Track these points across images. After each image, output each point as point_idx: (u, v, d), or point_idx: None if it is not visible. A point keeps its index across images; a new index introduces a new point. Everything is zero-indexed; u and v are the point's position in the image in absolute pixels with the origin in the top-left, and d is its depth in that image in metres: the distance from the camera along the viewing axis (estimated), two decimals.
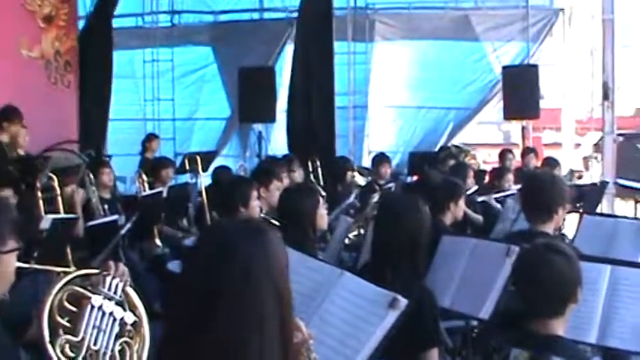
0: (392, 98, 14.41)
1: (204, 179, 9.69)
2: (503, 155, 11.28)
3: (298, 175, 8.37)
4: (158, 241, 7.82)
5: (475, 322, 4.67)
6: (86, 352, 2.72)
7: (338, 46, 13.10)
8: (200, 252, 1.93)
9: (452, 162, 9.98)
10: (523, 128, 13.68)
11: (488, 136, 18.91)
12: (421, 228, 3.63)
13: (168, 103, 14.38)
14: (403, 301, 2.92)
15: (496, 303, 4.05)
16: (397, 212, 3.67)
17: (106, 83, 12.94)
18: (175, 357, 1.87)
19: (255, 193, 5.18)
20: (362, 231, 6.89)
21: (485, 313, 4.05)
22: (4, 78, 10.64)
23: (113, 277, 2.82)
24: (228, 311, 1.81)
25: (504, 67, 13.03)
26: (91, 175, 8.07)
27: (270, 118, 12.85)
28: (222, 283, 1.83)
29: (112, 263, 2.86)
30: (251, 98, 12.47)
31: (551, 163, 10.18)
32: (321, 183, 10.35)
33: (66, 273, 2.80)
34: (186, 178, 10.55)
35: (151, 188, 8.75)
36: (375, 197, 7.68)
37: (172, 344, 1.89)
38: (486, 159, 15.36)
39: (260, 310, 1.83)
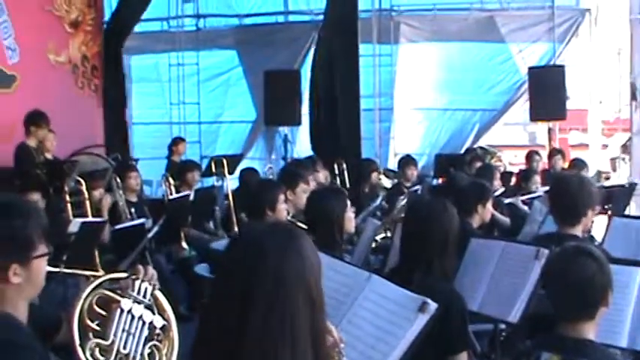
0: (417, 100, 14.36)
1: (231, 182, 9.71)
2: (529, 157, 11.20)
3: (322, 176, 8.35)
4: (185, 245, 7.84)
5: (503, 326, 4.65)
6: (116, 355, 2.73)
7: (363, 48, 13.04)
8: (233, 257, 1.94)
9: (478, 164, 9.91)
10: (549, 129, 13.58)
11: (514, 137, 18.81)
12: (450, 231, 3.61)
13: (194, 106, 14.43)
14: (433, 305, 2.91)
15: (525, 306, 4.02)
16: (426, 215, 3.65)
17: (120, 87, 12.97)
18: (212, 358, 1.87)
19: (282, 197, 5.18)
20: (389, 233, 6.89)
21: (515, 316, 4.02)
22: (31, 83, 10.76)
23: (142, 281, 2.82)
24: (261, 316, 1.82)
25: (530, 68, 12.94)
26: (118, 179, 8.11)
27: (296, 121, 12.86)
28: (256, 288, 1.84)
29: (141, 267, 2.87)
30: (277, 101, 12.48)
31: (578, 164, 10.10)
32: (347, 185, 10.34)
33: (95, 277, 2.81)
34: (212, 181, 10.59)
35: (177, 191, 8.79)
36: (402, 200, 7.67)
37: (206, 348, 1.89)
38: (512, 160, 15.27)
39: (293, 315, 1.84)
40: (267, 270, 1.85)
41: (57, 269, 3.07)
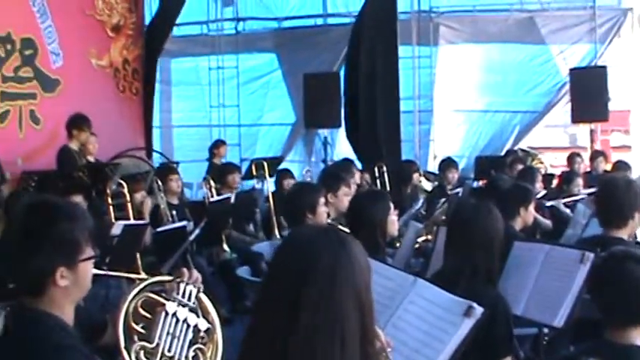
0: (457, 102, 14.29)
1: (271, 185, 9.73)
2: (571, 159, 11.09)
3: (357, 178, 8.34)
4: (226, 247, 7.87)
5: (547, 330, 4.60)
6: (160, 358, 2.74)
7: (402, 50, 13.02)
8: (284, 259, 1.94)
9: (519, 166, 9.83)
10: (591, 131, 13.43)
11: (554, 139, 18.61)
12: (495, 234, 3.58)
13: (234, 109, 14.50)
14: (479, 309, 2.89)
15: (570, 311, 3.97)
16: (471, 219, 3.61)
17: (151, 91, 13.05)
18: None
19: (322, 200, 5.16)
20: (430, 236, 6.85)
21: (559, 321, 3.97)
22: (74, 87, 10.88)
23: (187, 284, 2.84)
24: (311, 318, 1.82)
25: (572, 70, 12.82)
26: (159, 182, 8.16)
27: (336, 124, 12.86)
28: (306, 291, 1.84)
29: (185, 270, 2.88)
30: (316, 104, 12.50)
31: (621, 166, 9.98)
32: (388, 188, 10.32)
33: (141, 280, 2.82)
34: (252, 183, 10.63)
35: (218, 194, 8.82)
36: (443, 202, 7.63)
37: (254, 350, 1.89)
38: (553, 163, 15.12)
39: (343, 318, 1.84)
40: (318, 273, 1.85)
41: (103, 272, 3.09)
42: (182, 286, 2.84)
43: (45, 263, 2.48)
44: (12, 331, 2.63)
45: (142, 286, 2.80)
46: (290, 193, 5.88)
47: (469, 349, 3.26)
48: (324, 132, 13.33)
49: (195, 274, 2.88)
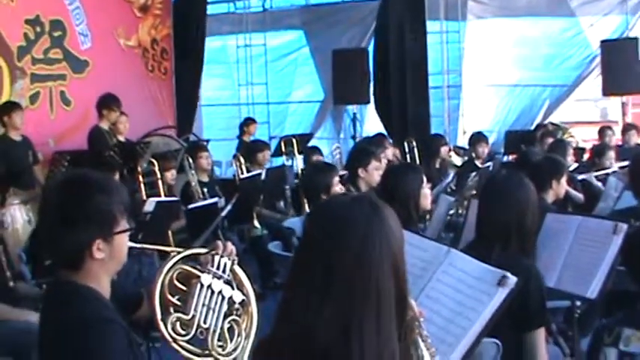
0: (486, 77, 14.18)
1: (301, 161, 9.74)
2: (602, 132, 10.97)
3: (390, 153, 8.32)
4: (257, 223, 7.90)
5: (579, 303, 4.58)
6: (196, 329, 2.76)
7: (430, 25, 12.94)
8: (318, 225, 1.93)
9: (549, 140, 9.74)
10: (623, 104, 13.28)
11: (585, 113, 18.44)
12: (528, 205, 3.54)
13: (262, 87, 14.51)
14: (512, 279, 2.88)
15: (603, 282, 3.96)
16: (503, 189, 3.58)
17: (197, 70, 13.08)
18: (293, 331, 1.87)
19: (336, 179, 5.18)
20: (460, 210, 6.84)
21: (593, 292, 3.96)
22: (103, 68, 10.95)
23: (221, 257, 2.86)
24: (346, 286, 1.82)
25: (602, 42, 12.64)
26: (190, 160, 8.20)
27: (365, 100, 12.85)
28: (341, 258, 1.83)
29: (220, 242, 2.90)
30: (345, 80, 12.49)
31: None
32: (417, 163, 10.29)
33: (176, 252, 2.84)
34: (282, 160, 10.65)
35: (247, 171, 8.85)
36: (474, 176, 7.60)
37: (290, 317, 1.90)
38: (584, 137, 14.99)
39: (377, 285, 1.83)
40: (352, 238, 1.84)
41: (140, 245, 3.11)
42: (217, 258, 2.85)
43: (81, 236, 2.52)
44: (50, 305, 2.68)
45: (177, 258, 2.82)
46: (305, 175, 5.91)
47: (502, 319, 3.26)
48: (352, 108, 13.32)
49: (230, 246, 2.89)
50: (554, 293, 4.39)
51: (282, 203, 8.90)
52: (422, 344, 2.28)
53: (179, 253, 2.85)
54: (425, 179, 4.62)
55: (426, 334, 2.31)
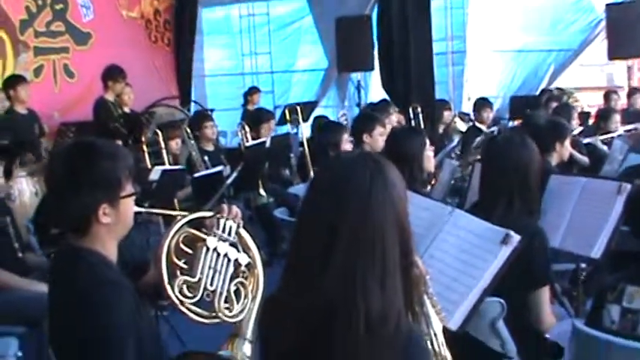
0: (490, 42, 14.14)
1: (306, 130, 9.73)
2: (608, 96, 10.96)
3: (395, 119, 8.31)
4: (262, 192, 7.92)
5: (584, 265, 4.60)
6: (203, 292, 2.79)
7: None
8: (323, 182, 1.95)
9: (554, 104, 9.73)
10: (628, 68, 13.25)
11: (590, 79, 18.38)
12: (531, 164, 3.52)
13: (266, 56, 14.46)
14: (516, 237, 2.90)
15: (607, 242, 3.97)
16: (506, 149, 3.56)
17: (191, 41, 13.06)
18: (299, 289, 1.89)
19: (346, 136, 5.19)
20: (465, 176, 6.84)
21: (597, 252, 3.98)
22: (105, 39, 10.94)
23: (227, 219, 2.88)
24: (350, 243, 1.83)
25: (607, 5, 12.57)
26: (189, 130, 8.21)
27: (369, 67, 12.83)
28: (345, 213, 1.84)
29: (225, 206, 2.92)
30: (349, 48, 12.48)
31: None
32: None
33: (182, 216, 2.87)
34: (286, 129, 10.65)
35: (253, 140, 8.85)
36: (478, 141, 7.61)
37: (295, 275, 1.92)
38: (589, 103, 14.95)
39: (382, 242, 1.84)
40: (356, 194, 1.85)
41: (145, 209, 3.13)
42: (222, 221, 2.88)
43: (88, 201, 2.54)
44: (58, 269, 2.71)
45: (183, 221, 2.84)
46: (317, 132, 5.92)
47: (507, 279, 3.29)
48: (357, 76, 13.29)
49: (235, 209, 2.91)
50: (558, 255, 4.43)
51: (287, 172, 8.93)
52: (428, 302, 2.31)
53: (184, 216, 2.87)
54: (428, 142, 4.63)
55: (431, 292, 2.34)
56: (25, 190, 7.07)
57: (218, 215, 2.87)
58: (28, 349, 4.30)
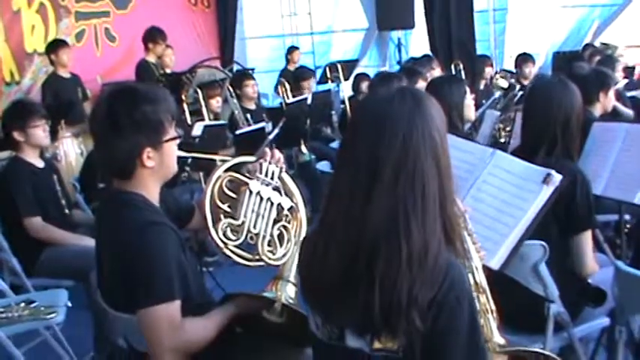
0: None
1: (347, 87, 9.69)
2: None
3: (437, 74, 8.25)
4: (304, 149, 7.94)
5: (628, 217, 4.56)
6: (246, 235, 2.84)
7: None
8: (362, 121, 1.94)
9: (598, 58, 9.57)
10: None
11: (636, 35, 18.02)
12: (572, 109, 3.47)
13: (306, 17, 14.37)
14: (557, 177, 2.89)
15: None
16: (548, 92, 3.50)
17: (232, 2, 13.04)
18: (340, 223, 1.90)
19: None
20: (507, 128, 6.80)
21: None
22: (145, 2, 10.98)
23: (269, 164, 2.92)
24: (391, 178, 1.83)
25: None
26: (231, 89, 8.24)
27: (410, 25, 12.73)
28: (385, 148, 1.84)
29: (267, 150, 2.95)
30: (389, 6, 12.38)
31: None
32: None
33: (225, 161, 2.91)
34: (328, 87, 10.62)
35: (294, 97, 8.85)
36: (520, 94, 7.53)
37: (336, 210, 1.92)
38: (635, 61, 14.69)
39: (422, 176, 1.84)
40: (396, 129, 1.85)
41: (189, 155, 3.19)
42: (265, 165, 2.92)
43: (131, 144, 2.58)
44: (104, 214, 2.77)
45: (226, 166, 2.89)
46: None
47: (550, 222, 3.28)
48: (397, 34, 13.19)
49: (278, 154, 2.95)
50: (602, 204, 4.40)
51: (328, 129, 8.92)
52: (468, 238, 2.33)
53: (229, 161, 2.92)
54: (468, 90, 4.60)
55: (471, 229, 2.35)
56: (71, 150, 7.17)
57: (261, 160, 2.91)
58: (76, 301, 4.40)
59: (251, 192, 2.86)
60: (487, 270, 2.41)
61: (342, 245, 1.89)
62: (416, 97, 1.92)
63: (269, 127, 7.10)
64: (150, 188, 2.68)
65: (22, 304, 4.11)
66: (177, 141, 2.72)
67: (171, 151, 2.69)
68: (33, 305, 4.10)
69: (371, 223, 1.84)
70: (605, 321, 3.56)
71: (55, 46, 8.46)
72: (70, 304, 4.17)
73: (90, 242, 4.80)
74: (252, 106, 8.32)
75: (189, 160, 5.78)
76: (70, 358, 4.66)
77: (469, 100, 4.56)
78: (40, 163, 5.12)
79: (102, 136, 2.63)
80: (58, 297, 4.28)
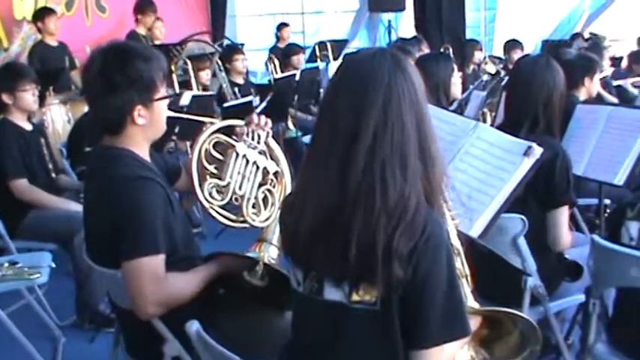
0: None
1: (335, 67, 9.69)
2: None
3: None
4: (291, 125, 7.97)
5: (608, 201, 4.62)
6: (231, 196, 2.88)
7: None
8: (341, 78, 1.96)
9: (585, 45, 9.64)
10: None
11: (625, 29, 18.10)
12: (554, 86, 3.51)
13: None
14: (538, 149, 2.94)
15: (631, 169, 3.99)
16: (531, 70, 3.54)
17: None
18: (319, 181, 1.92)
19: None
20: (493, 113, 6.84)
21: (620, 179, 4.00)
22: None
23: (256, 128, 2.96)
24: (372, 134, 1.85)
25: None
26: (220, 63, 8.26)
27: (400, 7, 12.74)
28: (366, 106, 1.86)
29: (255, 115, 2.99)
30: None
31: None
32: None
33: (213, 123, 2.95)
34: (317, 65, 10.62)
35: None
36: (506, 80, 7.57)
37: (315, 168, 1.94)
38: (623, 53, 14.75)
39: (402, 131, 1.87)
40: (377, 88, 1.87)
41: (178, 115, 3.22)
42: (252, 129, 2.96)
43: (123, 101, 2.62)
44: (93, 168, 2.80)
45: (213, 128, 2.93)
46: None
47: (529, 196, 3.34)
48: (387, 17, 13.20)
49: (264, 118, 2.99)
50: (583, 187, 4.47)
51: (316, 107, 8.94)
52: (443, 205, 2.36)
53: (216, 124, 2.96)
54: (456, 68, 4.63)
55: (447, 197, 2.38)
56: (58, 117, 7.17)
57: (248, 124, 2.96)
58: (58, 269, 4.43)
59: (237, 154, 2.90)
60: (465, 240, 2.45)
61: (320, 200, 1.91)
62: (395, 57, 1.94)
63: (256, 101, 7.12)
64: (139, 145, 2.72)
65: (6, 264, 4.13)
66: (168, 101, 2.76)
67: (162, 110, 2.73)
68: (17, 266, 4.13)
69: (350, 179, 1.85)
70: (581, 298, 3.61)
71: (42, 14, 8.45)
72: (54, 265, 4.20)
73: (75, 207, 4.85)
74: (240, 80, 8.35)
75: (177, 129, 5.83)
76: (53, 322, 4.71)
77: (456, 78, 4.60)
78: (28, 126, 5.14)
79: (95, 91, 2.66)
80: (41, 259, 4.30)
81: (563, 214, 3.44)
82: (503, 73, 8.70)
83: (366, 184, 1.85)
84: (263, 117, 2.99)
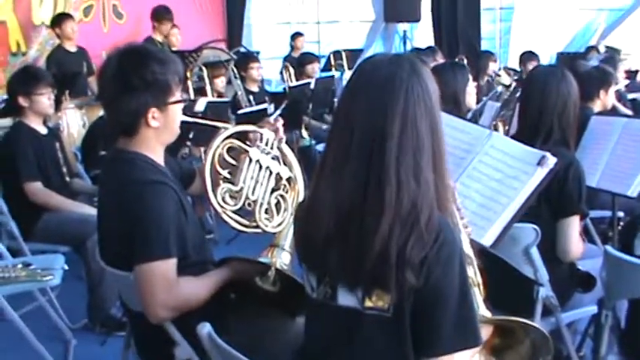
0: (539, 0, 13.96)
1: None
2: None
3: None
4: (305, 133, 7.98)
5: (621, 214, 4.60)
6: (244, 201, 2.89)
7: None
8: (357, 82, 1.96)
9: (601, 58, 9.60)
10: None
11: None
12: (568, 97, 3.51)
13: (313, 5, 14.39)
14: (552, 159, 2.94)
15: None
16: (545, 81, 3.54)
17: None
18: (332, 191, 1.92)
19: None
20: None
21: (634, 191, 4.01)
22: None
23: (270, 134, 2.97)
24: (387, 139, 1.85)
25: None
26: (235, 70, 8.28)
27: (416, 17, 12.74)
28: (381, 111, 1.86)
29: (268, 120, 3.00)
30: None
31: None
32: None
33: (226, 128, 2.96)
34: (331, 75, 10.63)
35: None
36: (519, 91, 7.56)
37: (330, 173, 1.94)
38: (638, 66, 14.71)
39: (417, 137, 1.87)
40: (393, 92, 1.87)
41: (193, 119, 3.23)
42: (265, 135, 2.97)
43: (138, 103, 2.62)
44: (107, 171, 2.81)
45: (227, 133, 2.93)
46: None
47: (543, 206, 3.34)
48: (403, 27, 13.20)
49: (278, 124, 3.00)
50: (597, 199, 4.45)
51: (330, 116, 8.94)
52: (456, 213, 2.36)
53: (230, 128, 2.97)
54: (471, 78, 4.62)
55: (460, 204, 2.39)
56: (73, 121, 7.20)
57: (262, 129, 2.97)
58: (71, 273, 4.45)
59: (251, 159, 2.91)
60: (478, 250, 2.45)
61: (335, 205, 1.90)
62: (411, 61, 1.94)
63: (271, 109, 7.14)
64: (153, 149, 2.73)
65: (20, 266, 4.15)
66: (182, 105, 2.77)
67: (176, 114, 2.74)
68: (30, 267, 4.14)
69: (365, 184, 1.86)
70: (593, 309, 3.61)
71: (60, 20, 8.50)
72: (66, 268, 4.22)
73: (88, 210, 4.86)
74: (255, 88, 8.37)
75: (191, 135, 5.84)
76: (64, 324, 4.72)
77: (471, 87, 4.59)
78: (43, 130, 5.16)
79: (110, 92, 2.67)
80: (54, 261, 4.32)
81: (573, 223, 3.42)
82: (514, 84, 8.68)
83: (381, 189, 1.84)
84: (278, 122, 3.01)
